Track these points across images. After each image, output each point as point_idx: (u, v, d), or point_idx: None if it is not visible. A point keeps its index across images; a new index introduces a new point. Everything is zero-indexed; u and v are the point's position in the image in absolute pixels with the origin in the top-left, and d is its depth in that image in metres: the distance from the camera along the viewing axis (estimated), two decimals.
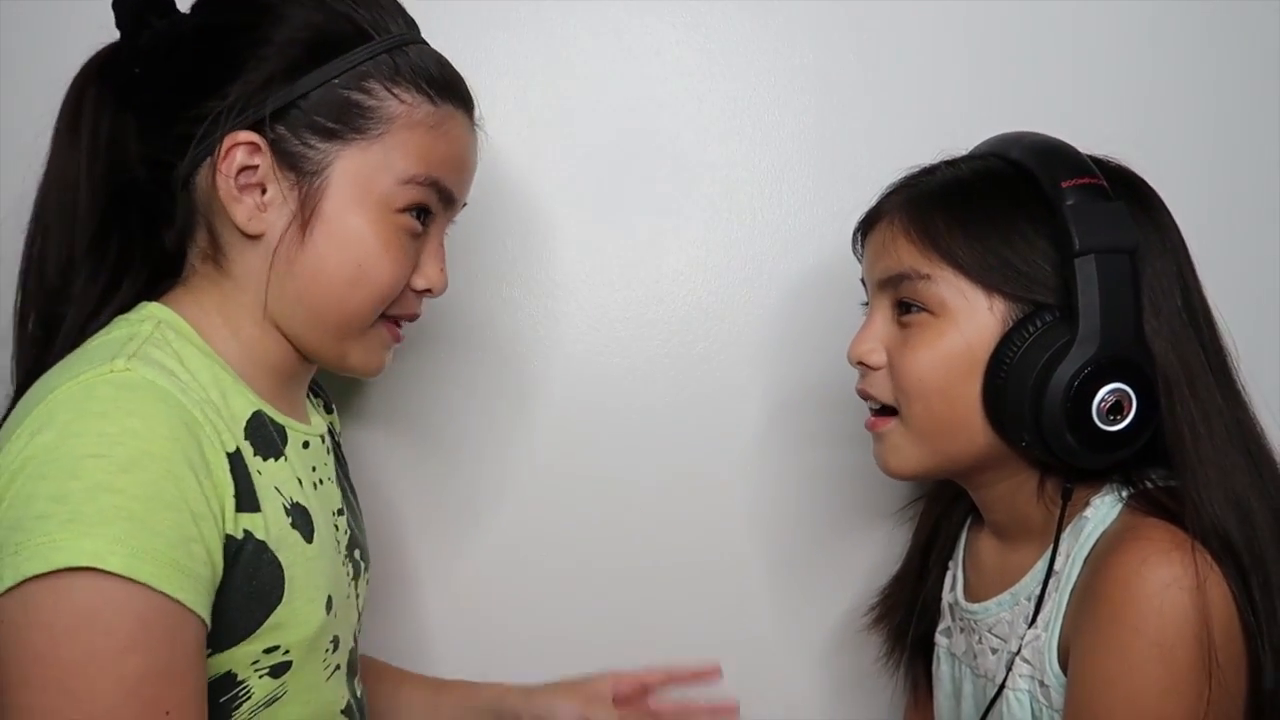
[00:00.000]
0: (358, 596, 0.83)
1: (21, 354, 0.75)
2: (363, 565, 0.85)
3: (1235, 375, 0.77)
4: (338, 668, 0.77)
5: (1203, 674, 0.66)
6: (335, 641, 0.76)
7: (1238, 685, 0.68)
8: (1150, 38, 1.06)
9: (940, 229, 0.76)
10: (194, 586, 0.61)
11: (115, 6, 0.74)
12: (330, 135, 0.71)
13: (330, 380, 0.95)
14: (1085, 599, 0.72)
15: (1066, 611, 0.74)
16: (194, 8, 0.75)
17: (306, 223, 0.71)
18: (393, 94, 0.72)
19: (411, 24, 0.77)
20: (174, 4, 0.75)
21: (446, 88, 0.75)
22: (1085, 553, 0.74)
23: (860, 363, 0.82)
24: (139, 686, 0.58)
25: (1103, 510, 0.75)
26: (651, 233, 1.06)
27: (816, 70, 1.05)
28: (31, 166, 0.75)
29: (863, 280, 0.85)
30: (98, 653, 0.58)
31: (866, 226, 0.84)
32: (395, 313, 0.77)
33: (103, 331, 0.71)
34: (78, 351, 0.69)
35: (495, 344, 1.05)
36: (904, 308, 0.79)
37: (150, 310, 0.72)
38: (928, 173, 0.82)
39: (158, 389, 0.64)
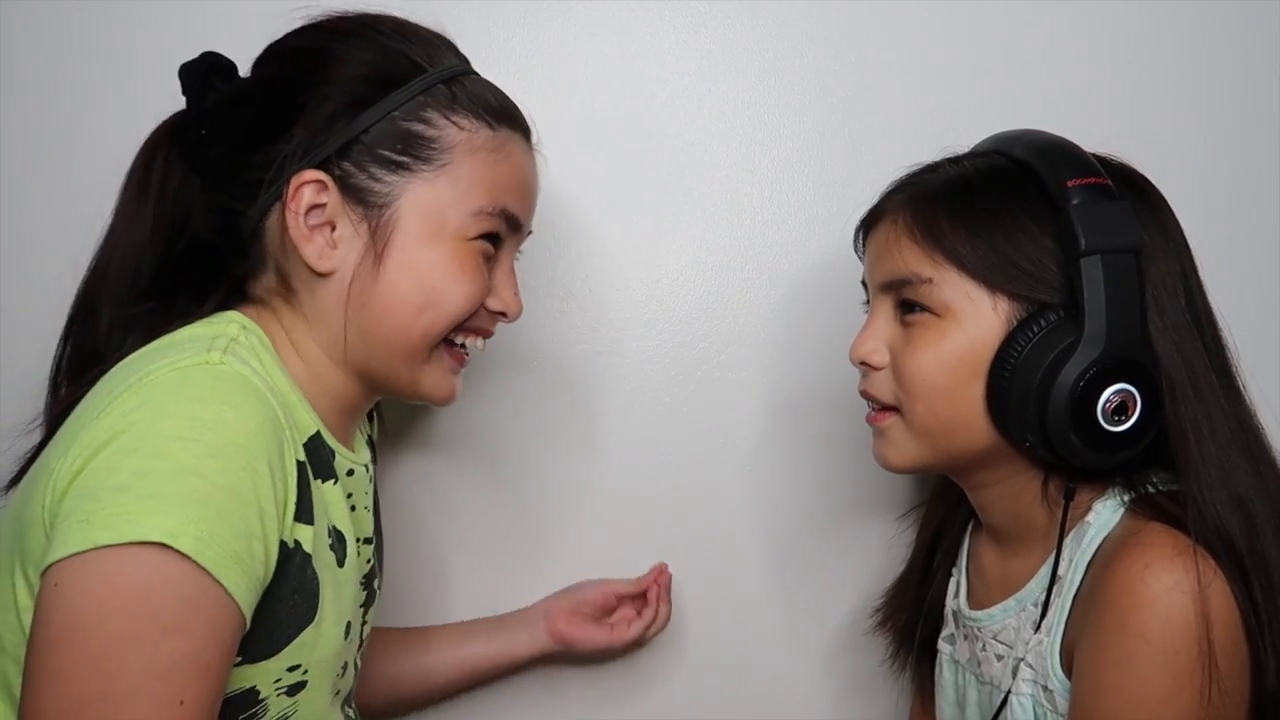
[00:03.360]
0: (365, 624, 0.84)
1: (56, 386, 0.77)
2: (376, 594, 0.86)
3: (1237, 376, 0.76)
4: (338, 693, 0.78)
5: (1205, 678, 0.66)
6: (345, 667, 0.77)
7: (1240, 688, 0.68)
8: (1150, 39, 1.06)
9: (944, 229, 0.76)
10: (247, 583, 0.61)
11: (182, 74, 0.76)
12: (395, 167, 0.73)
13: None
14: (1089, 605, 0.72)
15: (1070, 617, 0.74)
16: (254, 65, 0.77)
17: (380, 255, 0.73)
18: (452, 122, 0.74)
19: (463, 58, 0.79)
20: (236, 68, 0.77)
21: (503, 114, 0.77)
22: (1088, 558, 0.74)
23: (863, 363, 0.81)
24: (168, 672, 0.58)
25: (1105, 515, 0.74)
26: (651, 233, 1.06)
27: (816, 71, 1.05)
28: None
29: (863, 281, 0.85)
30: (140, 631, 0.58)
31: (868, 226, 0.83)
32: (469, 327, 0.78)
33: (186, 328, 0.72)
34: (164, 343, 0.70)
35: (495, 343, 1.04)
36: (907, 307, 0.78)
37: (231, 316, 0.74)
38: (930, 170, 0.81)
39: (251, 385, 0.65)
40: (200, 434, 0.60)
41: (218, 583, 0.59)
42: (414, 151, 0.73)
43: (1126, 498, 0.74)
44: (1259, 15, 1.06)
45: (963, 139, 0.85)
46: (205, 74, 0.75)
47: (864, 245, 0.84)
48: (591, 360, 1.06)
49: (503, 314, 0.80)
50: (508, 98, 0.79)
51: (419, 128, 0.73)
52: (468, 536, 1.07)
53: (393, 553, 1.04)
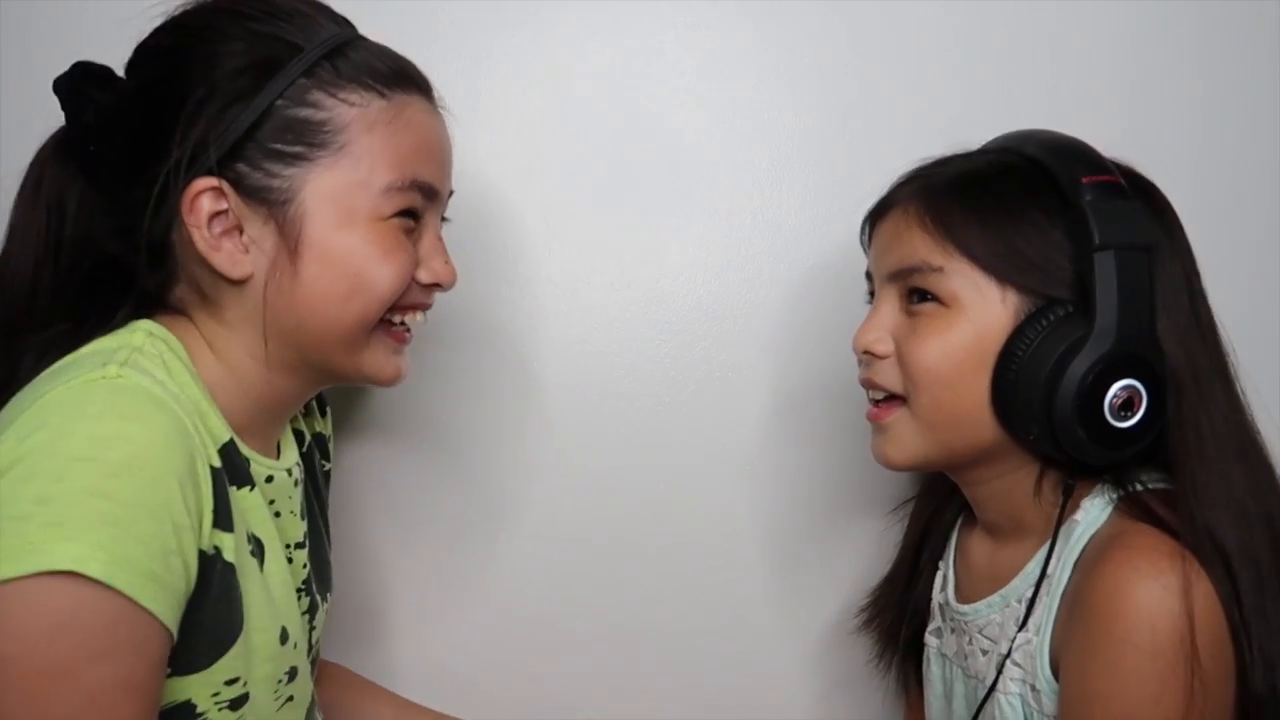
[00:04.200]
0: (314, 629, 0.83)
1: None
2: (320, 599, 0.84)
3: (1236, 380, 0.77)
4: (290, 699, 0.76)
5: (1190, 682, 0.66)
6: (292, 672, 0.75)
7: (1226, 691, 0.68)
8: (1151, 38, 1.06)
9: (956, 219, 0.76)
10: (167, 599, 0.60)
11: (57, 89, 0.72)
12: (291, 159, 0.69)
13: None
14: (1075, 607, 0.72)
15: (1057, 616, 0.74)
16: (126, 69, 0.73)
17: (295, 252, 0.69)
18: (340, 99, 0.70)
19: (345, 23, 0.74)
20: (112, 73, 0.73)
21: (394, 78, 0.73)
22: (1075, 556, 0.73)
23: (866, 351, 0.81)
24: (99, 696, 0.57)
25: (1093, 513, 0.74)
26: (651, 233, 1.05)
27: (816, 70, 1.05)
28: None
29: (867, 274, 0.85)
30: (66, 661, 0.56)
31: (877, 216, 0.83)
32: (403, 304, 0.75)
33: (89, 344, 0.69)
34: (67, 360, 0.67)
35: (495, 343, 1.05)
36: (913, 297, 0.78)
37: (141, 324, 0.71)
38: (942, 164, 0.81)
39: (153, 395, 0.62)
40: (101, 452, 0.58)
41: (136, 604, 0.58)
42: (307, 139, 0.69)
43: (1114, 495, 0.74)
44: (1258, 15, 1.06)
45: (963, 139, 0.85)
46: (80, 86, 0.71)
47: (871, 236, 0.84)
48: (591, 360, 1.06)
49: (437, 285, 0.77)
50: (398, 57, 0.74)
51: (306, 113, 0.69)
52: (465, 537, 1.07)
53: (376, 553, 1.05)
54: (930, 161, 0.82)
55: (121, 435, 0.59)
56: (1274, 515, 0.73)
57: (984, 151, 0.82)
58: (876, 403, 0.82)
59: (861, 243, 0.86)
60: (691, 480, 1.07)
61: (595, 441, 1.06)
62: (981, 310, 0.75)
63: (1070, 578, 0.73)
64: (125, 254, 0.72)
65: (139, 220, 0.70)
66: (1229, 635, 0.68)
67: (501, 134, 1.02)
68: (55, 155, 0.73)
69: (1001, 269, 0.74)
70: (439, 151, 0.76)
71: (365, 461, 1.05)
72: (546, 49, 1.04)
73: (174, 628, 0.61)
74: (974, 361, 0.75)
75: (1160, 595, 0.66)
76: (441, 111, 0.77)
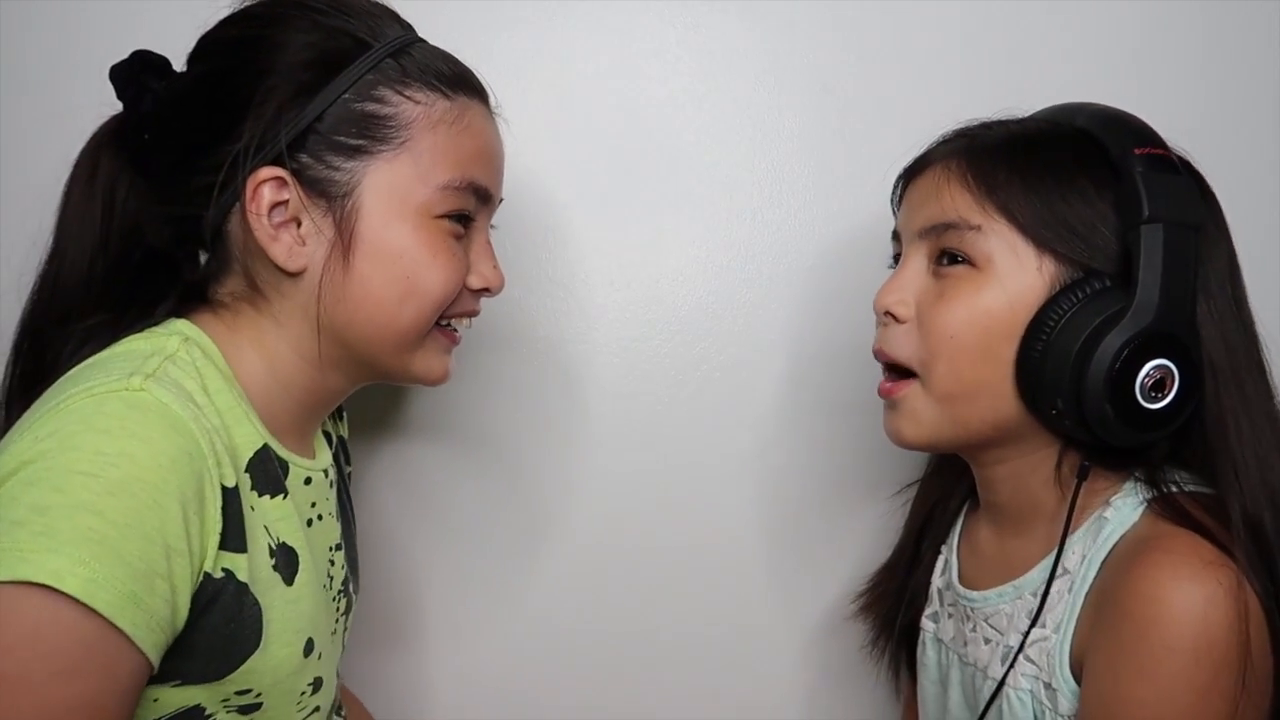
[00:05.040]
0: (345, 631, 0.82)
1: (9, 402, 0.74)
2: (353, 598, 0.84)
3: (1269, 372, 0.75)
4: (316, 709, 0.76)
5: (1237, 688, 0.64)
6: (316, 683, 0.75)
7: (1266, 697, 0.66)
8: (1152, 38, 1.07)
9: (1000, 179, 0.73)
10: (146, 622, 0.59)
11: (113, 78, 0.72)
12: (354, 152, 0.70)
13: None
14: (1105, 609, 0.69)
15: (1081, 615, 0.72)
16: (189, 60, 0.73)
17: (348, 246, 0.70)
18: (406, 97, 0.71)
19: (408, 26, 0.75)
20: (169, 64, 0.73)
21: (458, 81, 0.74)
22: (1103, 555, 0.71)
23: (887, 313, 0.77)
24: (61, 715, 0.56)
25: (1125, 512, 0.71)
26: (651, 233, 1.06)
27: (816, 71, 1.05)
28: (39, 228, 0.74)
29: (894, 235, 0.82)
30: (31, 674, 0.56)
31: (913, 173, 0.80)
32: (454, 311, 0.76)
33: (124, 341, 0.69)
34: (98, 359, 0.67)
35: (494, 343, 1.05)
36: (943, 259, 0.75)
37: (177, 326, 0.71)
38: (987, 126, 0.79)
39: (169, 414, 0.62)
40: (103, 469, 0.58)
41: (112, 625, 0.57)
42: (371, 133, 0.70)
43: (1147, 496, 0.71)
44: (1261, 15, 1.06)
45: None
46: (138, 75, 0.72)
47: (904, 194, 0.81)
48: (591, 360, 1.06)
49: (485, 290, 0.77)
50: (460, 63, 0.76)
51: (373, 107, 0.70)
52: (464, 535, 1.06)
53: (384, 553, 1.05)
54: (974, 124, 0.80)
55: (126, 454, 0.59)
56: None
57: (1032, 118, 0.79)
58: (888, 376, 0.79)
59: (892, 202, 0.83)
60: (691, 479, 1.07)
61: (595, 441, 1.06)
62: (1016, 276, 0.72)
63: (1096, 576, 0.71)
64: (172, 244, 0.72)
65: (195, 208, 0.70)
66: (1269, 639, 0.66)
67: (502, 134, 1.02)
68: (109, 145, 0.74)
69: (1042, 235, 0.71)
70: (495, 158, 0.77)
71: (367, 461, 1.05)
72: (546, 49, 1.04)
73: (153, 654, 0.60)
74: (1001, 329, 0.72)
75: (1203, 602, 0.64)
76: (497, 118, 0.78)
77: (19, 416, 0.66)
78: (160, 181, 0.72)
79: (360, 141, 0.70)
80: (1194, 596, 0.64)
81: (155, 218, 0.72)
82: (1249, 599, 0.65)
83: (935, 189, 0.76)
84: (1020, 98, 1.04)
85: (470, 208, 0.74)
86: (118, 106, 0.74)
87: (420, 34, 0.76)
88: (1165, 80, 1.07)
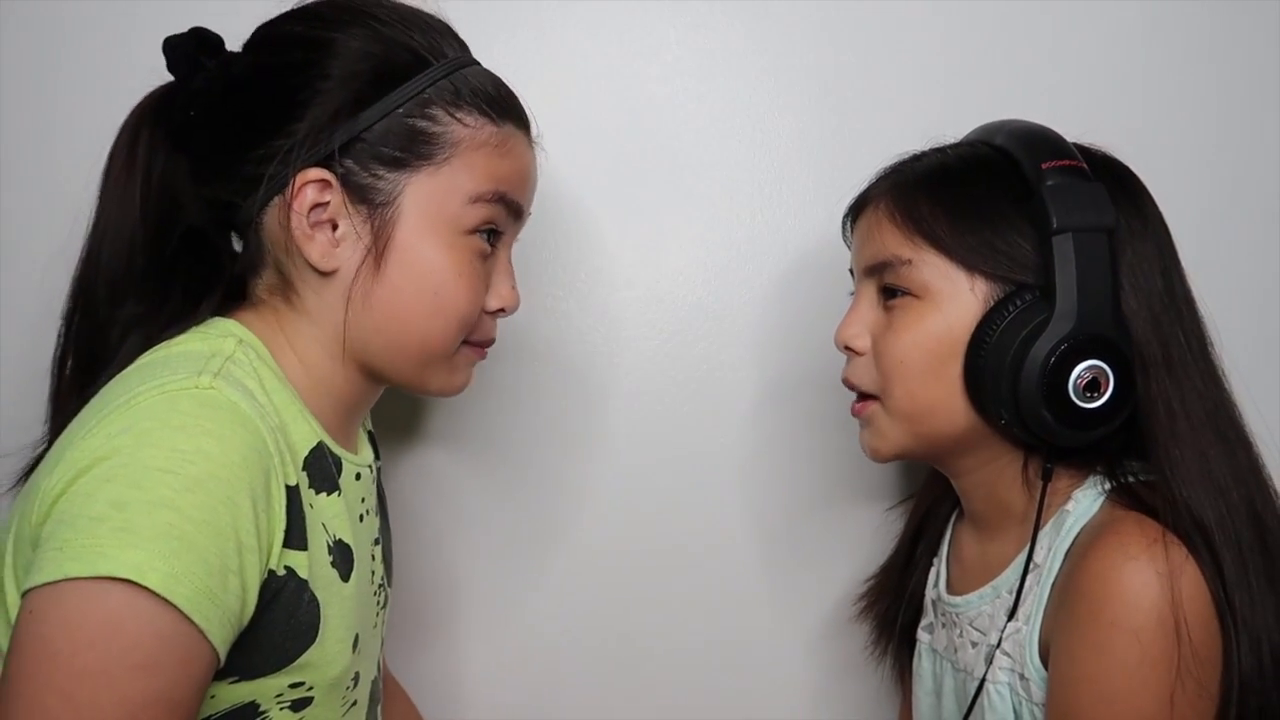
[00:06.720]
0: (383, 624, 0.83)
1: (59, 390, 0.74)
2: (389, 593, 0.85)
3: (1215, 360, 0.77)
4: (355, 703, 0.77)
5: (1178, 663, 0.66)
6: (356, 678, 0.76)
7: (1214, 670, 0.68)
8: (1153, 37, 1.06)
9: (923, 212, 0.77)
10: (220, 618, 0.60)
11: (167, 50, 0.73)
12: (398, 164, 0.71)
13: None
14: (1065, 594, 0.72)
15: (1048, 606, 0.74)
16: (247, 48, 0.74)
17: (381, 255, 0.71)
18: (455, 118, 0.72)
19: (464, 46, 0.77)
20: (224, 45, 0.75)
21: (506, 108, 0.76)
22: (1066, 546, 0.74)
23: (846, 347, 0.83)
24: (139, 709, 0.57)
25: (1084, 504, 0.75)
26: (651, 233, 1.06)
27: (816, 70, 1.05)
28: (81, 208, 0.75)
29: (850, 270, 0.86)
30: (111, 667, 0.56)
31: (854, 213, 0.85)
32: (474, 339, 0.77)
33: (179, 341, 0.70)
34: (159, 358, 0.68)
35: (495, 343, 1.05)
36: (889, 293, 0.79)
37: (228, 327, 0.72)
38: (915, 159, 0.83)
39: (240, 412, 0.63)
40: (180, 466, 0.59)
41: (189, 620, 0.58)
42: (418, 149, 0.71)
43: (1106, 486, 0.74)
44: (1257, 14, 1.06)
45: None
46: (193, 51, 0.73)
47: (851, 233, 0.86)
48: (592, 360, 1.06)
49: (501, 310, 0.78)
50: (509, 89, 0.77)
51: (423, 124, 0.71)
52: (464, 534, 1.07)
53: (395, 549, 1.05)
54: (905, 158, 0.84)
55: (201, 451, 0.60)
56: (1254, 494, 0.73)
57: (957, 145, 0.83)
58: (857, 399, 0.84)
59: (844, 238, 0.88)
60: (692, 479, 1.06)
61: (595, 441, 1.06)
62: (952, 300, 0.76)
63: (1061, 567, 0.74)
64: (210, 225, 0.73)
65: (234, 196, 0.71)
66: (1215, 615, 0.68)
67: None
68: (152, 115, 0.74)
69: (968, 257, 0.75)
70: (529, 180, 0.79)
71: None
72: (546, 49, 1.04)
73: (222, 648, 0.61)
74: (945, 350, 0.76)
75: (1148, 578, 0.67)
76: (536, 147, 0.80)
77: (69, 402, 0.67)
78: (201, 162, 0.73)
79: (405, 155, 0.71)
80: (1141, 573, 0.67)
81: (191, 197, 0.73)
82: (1193, 573, 0.67)
83: (869, 230, 0.81)
84: (1019, 97, 1.05)
85: (500, 220, 0.75)
86: (149, 82, 0.74)
87: (471, 53, 0.78)
88: (1165, 80, 1.06)
